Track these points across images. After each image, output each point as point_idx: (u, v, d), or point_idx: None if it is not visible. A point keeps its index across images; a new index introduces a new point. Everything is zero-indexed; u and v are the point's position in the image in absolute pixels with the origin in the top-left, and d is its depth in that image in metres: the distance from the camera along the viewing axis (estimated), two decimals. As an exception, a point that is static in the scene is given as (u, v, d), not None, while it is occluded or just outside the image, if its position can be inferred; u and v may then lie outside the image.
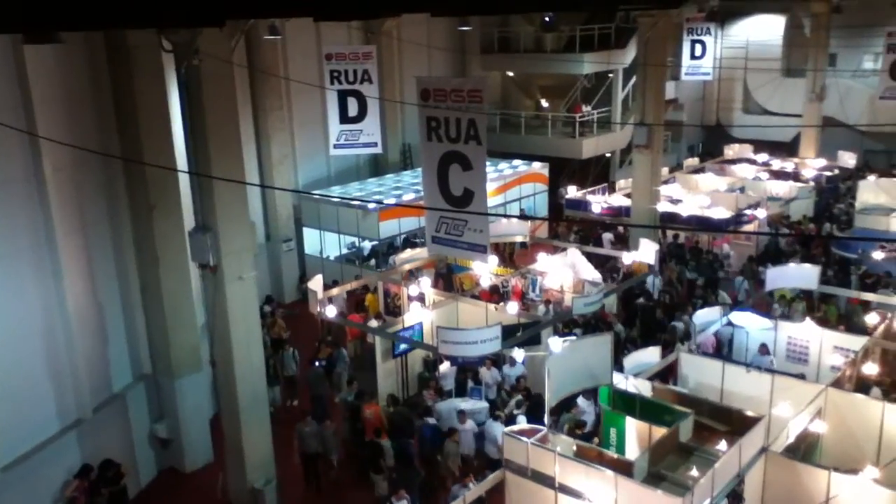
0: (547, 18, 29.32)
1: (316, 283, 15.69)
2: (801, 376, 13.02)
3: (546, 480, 9.72)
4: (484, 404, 13.88)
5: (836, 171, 28.02)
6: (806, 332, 14.43)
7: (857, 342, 13.73)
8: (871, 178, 24.10)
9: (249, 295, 11.97)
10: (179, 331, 13.43)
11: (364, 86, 20.04)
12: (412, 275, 17.81)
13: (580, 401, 13.00)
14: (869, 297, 16.42)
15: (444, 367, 14.81)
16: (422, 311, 15.68)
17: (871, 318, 15.16)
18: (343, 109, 20.06)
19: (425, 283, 16.76)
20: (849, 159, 29.04)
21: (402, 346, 14.92)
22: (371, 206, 20.82)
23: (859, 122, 30.76)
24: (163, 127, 12.85)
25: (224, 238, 11.45)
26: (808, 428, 11.18)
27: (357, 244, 22.30)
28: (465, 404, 13.80)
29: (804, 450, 11.18)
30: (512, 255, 21.85)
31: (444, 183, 11.95)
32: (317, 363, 15.50)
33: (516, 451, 10.01)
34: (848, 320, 16.69)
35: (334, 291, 16.99)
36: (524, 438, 10.00)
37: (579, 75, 29.31)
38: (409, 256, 18.53)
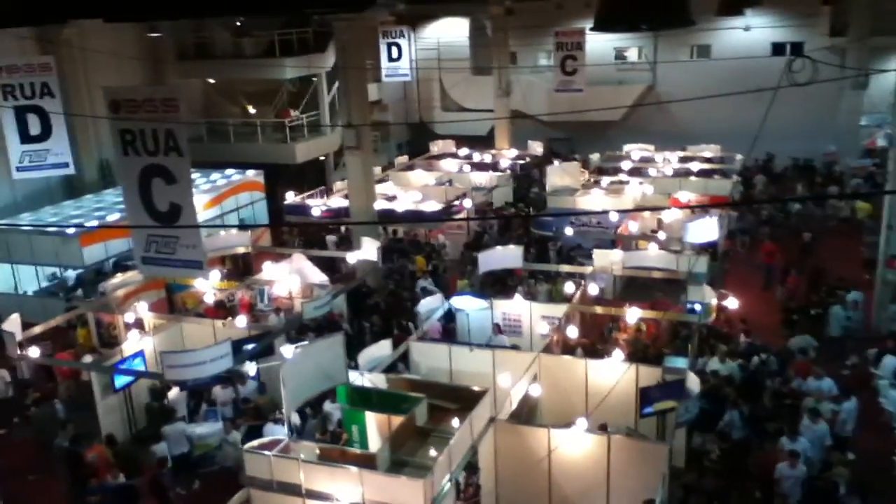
0: (238, 23, 28.80)
1: (12, 324, 13.95)
2: (517, 347, 14.24)
3: (293, 490, 9.61)
4: (220, 425, 13.34)
5: (528, 159, 30.93)
6: (517, 307, 15.78)
7: (559, 310, 15.31)
8: (557, 163, 26.92)
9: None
10: None
11: (45, 101, 18.22)
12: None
13: (326, 404, 13.00)
14: (566, 268, 18.36)
15: (174, 392, 13.98)
16: (142, 337, 14.65)
17: (569, 287, 16.93)
18: (23, 128, 18.08)
19: (142, 308, 15.68)
20: (537, 148, 32.26)
21: (124, 379, 13.78)
22: (70, 230, 18.98)
23: (541, 114, 34.17)
24: None
25: None
26: (527, 393, 12.23)
27: (59, 274, 20.20)
28: (201, 428, 13.17)
29: (526, 413, 12.23)
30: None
31: (147, 199, 11.26)
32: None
33: (259, 466, 9.76)
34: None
35: (36, 330, 15.20)
36: (266, 452, 9.80)
37: (283, 80, 29.18)
38: (120, 281, 17.19)
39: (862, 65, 28.47)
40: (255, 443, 10.20)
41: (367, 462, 9.61)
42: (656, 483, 9.84)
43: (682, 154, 28.40)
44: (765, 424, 12.83)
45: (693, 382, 11.69)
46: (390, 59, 29.96)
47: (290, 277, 17.63)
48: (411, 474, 9.55)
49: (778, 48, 31.37)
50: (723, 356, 13.95)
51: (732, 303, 15.79)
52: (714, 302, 15.10)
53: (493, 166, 29.25)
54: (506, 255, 17.46)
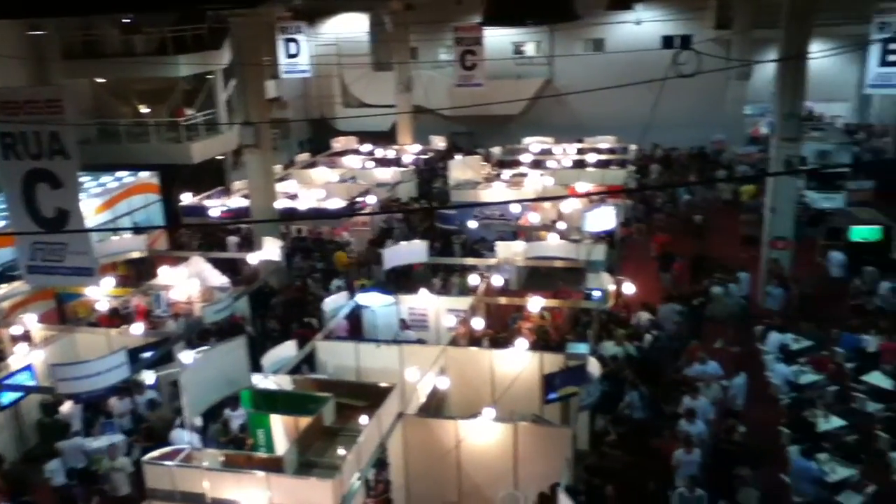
0: (127, 20, 27.70)
1: None
2: (423, 341, 14.31)
3: (197, 499, 9.36)
4: (119, 437, 12.85)
5: (431, 154, 31.07)
6: (423, 302, 15.84)
7: (465, 302, 15.47)
8: (459, 157, 27.14)
9: None
10: None
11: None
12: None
13: (227, 410, 12.69)
14: (471, 261, 18.57)
15: (67, 406, 13.36)
16: (30, 350, 13.94)
17: (474, 280, 17.11)
18: None
19: (30, 319, 14.92)
20: (440, 142, 32.45)
21: (11, 395, 13.07)
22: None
23: (443, 109, 34.33)
24: None
25: None
26: (435, 386, 12.31)
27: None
28: (98, 442, 12.65)
29: (435, 406, 12.31)
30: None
31: (31, 205, 10.74)
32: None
33: (160, 477, 9.47)
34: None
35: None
36: (167, 462, 9.51)
37: (177, 78, 28.27)
38: (5, 293, 16.30)
39: (745, 56, 29.94)
40: (155, 453, 9.88)
41: (273, 466, 9.48)
42: (562, 466, 10.10)
43: (579, 146, 29.13)
44: (662, 407, 13.33)
45: (594, 367, 12.05)
46: (288, 56, 29.40)
47: (188, 281, 17.12)
48: (320, 475, 9.48)
49: (668, 41, 32.47)
50: (620, 339, 14.42)
51: (629, 288, 16.34)
52: (612, 288, 15.59)
53: (397, 162, 29.23)
54: (411, 251, 17.50)
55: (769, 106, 27.72)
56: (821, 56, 18.43)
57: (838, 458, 11.79)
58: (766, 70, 27.93)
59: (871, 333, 15.15)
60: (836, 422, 12.83)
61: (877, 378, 14.06)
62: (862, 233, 19.96)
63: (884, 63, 17.40)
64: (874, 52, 17.42)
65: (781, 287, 17.54)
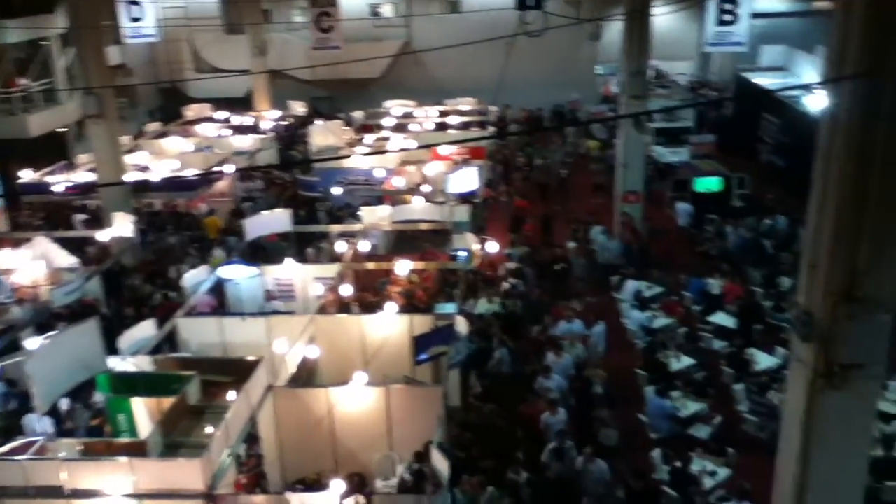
0: None
1: None
2: (291, 312, 14.07)
3: (54, 493, 8.86)
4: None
5: (291, 120, 30.29)
6: (288, 272, 15.53)
7: (332, 270, 15.29)
8: (320, 122, 26.63)
9: None
10: None
11: None
12: None
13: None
14: (337, 228, 18.34)
15: None
16: None
17: (341, 246, 16.93)
18: None
19: None
20: (299, 108, 31.66)
21: None
22: None
23: (299, 69, 33.43)
24: None
25: None
26: (305, 356, 12.16)
27: None
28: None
29: (306, 376, 12.18)
30: None
31: None
32: None
33: (11, 473, 8.88)
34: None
35: None
36: (17, 457, 8.93)
37: (6, 45, 26.00)
38: None
39: (594, 16, 30.88)
40: (3, 448, 9.24)
41: (137, 450, 9.10)
42: (435, 424, 10.28)
43: (440, 108, 29.25)
44: (523, 366, 13.75)
45: (462, 325, 12.27)
46: (132, 20, 27.63)
47: (33, 264, 15.99)
48: (188, 455, 9.22)
49: (521, 1, 32.97)
50: (489, 297, 14.74)
51: (493, 247, 16.70)
52: (477, 248, 15.87)
53: (255, 129, 28.31)
54: (274, 220, 17.09)
55: (618, 65, 28.87)
56: (661, 14, 19.27)
57: (689, 394, 12.66)
58: (616, 31, 28.95)
59: (716, 277, 16.29)
60: (686, 361, 13.75)
61: (721, 318, 15.17)
62: (705, 184, 21.25)
63: (720, 23, 18.44)
64: (711, 12, 18.42)
65: (620, 241, 18.51)
